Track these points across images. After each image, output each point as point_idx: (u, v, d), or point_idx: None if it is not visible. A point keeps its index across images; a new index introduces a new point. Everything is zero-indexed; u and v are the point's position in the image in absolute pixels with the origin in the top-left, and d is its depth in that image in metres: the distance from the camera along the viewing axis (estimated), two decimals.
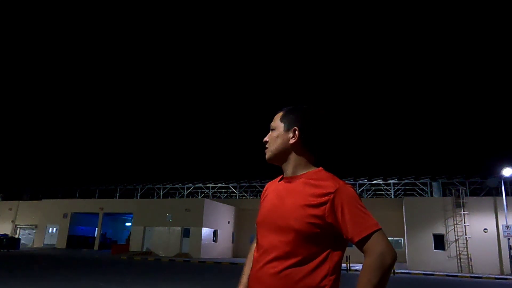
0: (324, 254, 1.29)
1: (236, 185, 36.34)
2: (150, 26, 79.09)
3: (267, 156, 1.49)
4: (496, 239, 22.68)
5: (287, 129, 1.44)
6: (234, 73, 79.10)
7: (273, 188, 1.49)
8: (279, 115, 1.51)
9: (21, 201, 39.50)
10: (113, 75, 79.59)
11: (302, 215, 1.28)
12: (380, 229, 1.26)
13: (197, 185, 36.50)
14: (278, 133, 1.46)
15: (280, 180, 1.50)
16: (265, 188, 1.55)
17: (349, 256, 21.93)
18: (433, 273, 21.04)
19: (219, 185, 36.74)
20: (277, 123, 1.49)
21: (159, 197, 37.67)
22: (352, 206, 1.26)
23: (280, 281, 1.27)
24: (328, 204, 1.26)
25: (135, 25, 79.66)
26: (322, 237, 1.28)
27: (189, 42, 77.15)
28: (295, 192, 1.36)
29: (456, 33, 67.22)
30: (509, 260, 20.96)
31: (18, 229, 38.32)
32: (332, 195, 1.27)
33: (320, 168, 1.41)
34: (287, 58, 78.33)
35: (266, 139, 1.51)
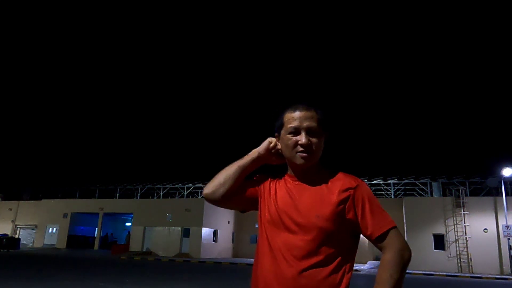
0: (343, 251, 1.29)
1: None
2: (150, 26, 79.15)
3: (307, 163, 1.35)
4: (496, 239, 22.68)
5: (323, 134, 1.40)
6: (233, 72, 79.12)
7: (279, 186, 1.43)
8: (314, 116, 1.38)
9: (21, 201, 39.47)
10: (113, 75, 79.66)
11: (324, 212, 1.27)
12: (396, 226, 1.31)
13: (197, 185, 36.47)
14: (319, 139, 1.37)
15: (281, 178, 1.47)
16: (262, 184, 1.47)
17: None
18: (433, 273, 21.05)
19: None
20: (317, 126, 1.37)
21: (159, 197, 37.66)
22: (372, 202, 1.30)
23: (303, 281, 1.22)
24: (349, 200, 1.30)
25: (135, 25, 79.71)
26: (342, 234, 1.29)
27: (189, 43, 77.21)
28: (313, 190, 1.34)
29: (456, 33, 67.26)
30: (509, 260, 20.95)
31: (18, 229, 38.30)
32: (352, 191, 1.30)
33: (332, 169, 1.42)
34: (287, 57, 78.37)
35: (307, 142, 1.35)
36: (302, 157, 1.35)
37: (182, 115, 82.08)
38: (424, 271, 21.78)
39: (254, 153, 1.48)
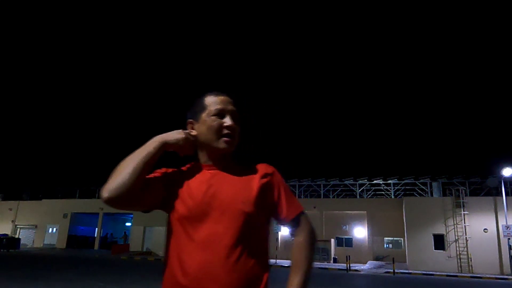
0: (263, 236, 1.30)
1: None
2: (150, 25, 79.18)
3: (230, 147, 1.32)
4: (496, 239, 22.69)
5: (240, 123, 1.37)
6: (231, 72, 79.11)
7: (191, 177, 1.32)
8: (231, 102, 1.37)
9: (21, 201, 39.47)
10: (112, 75, 79.68)
11: (249, 198, 1.26)
12: (304, 210, 1.36)
13: None
14: (238, 124, 1.36)
15: (189, 169, 1.38)
16: (167, 178, 1.33)
17: (349, 256, 21.96)
18: (433, 273, 21.05)
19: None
20: (236, 112, 1.36)
21: None
22: (286, 188, 1.34)
23: (237, 273, 1.18)
24: (268, 186, 1.31)
25: (134, 25, 79.74)
26: (262, 219, 1.30)
27: (189, 43, 77.21)
28: (233, 177, 1.31)
29: (456, 33, 67.26)
30: (509, 260, 20.95)
31: (18, 229, 38.29)
32: (270, 177, 1.33)
33: (239, 158, 1.41)
34: (288, 57, 78.36)
35: (233, 124, 1.32)
36: (226, 141, 1.31)
37: (182, 115, 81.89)
38: (424, 271, 21.78)
39: (158, 140, 1.28)
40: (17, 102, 74.32)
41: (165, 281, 1.26)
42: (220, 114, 1.32)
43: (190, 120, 1.39)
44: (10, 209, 38.87)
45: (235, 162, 1.38)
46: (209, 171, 1.33)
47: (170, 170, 1.38)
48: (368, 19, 72.21)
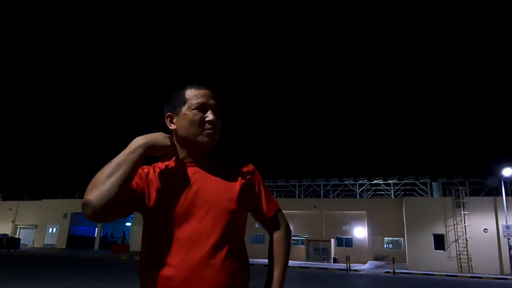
0: (243, 233, 1.32)
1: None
2: (150, 25, 79.16)
3: (211, 143, 1.27)
4: (496, 239, 22.68)
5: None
6: (231, 72, 79.11)
7: (169, 175, 1.24)
8: (212, 96, 1.31)
9: (21, 201, 39.48)
10: (112, 75, 79.65)
11: (234, 196, 1.25)
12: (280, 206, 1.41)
13: None
14: (220, 119, 1.31)
15: (165, 167, 1.28)
16: (143, 179, 1.21)
17: (349, 256, 21.96)
18: (433, 273, 21.05)
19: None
20: (217, 106, 1.31)
21: None
22: (265, 185, 1.37)
23: (224, 273, 1.15)
24: (250, 183, 1.32)
25: (132, 25, 79.71)
26: (245, 216, 1.32)
27: (190, 44, 77.20)
28: (215, 174, 1.27)
29: (456, 33, 67.24)
30: (509, 260, 20.95)
31: (18, 229, 38.30)
32: (251, 175, 1.33)
33: (217, 154, 1.38)
34: (287, 57, 78.34)
35: (215, 119, 1.26)
36: (209, 135, 1.24)
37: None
38: (424, 271, 21.78)
39: (143, 145, 1.16)
40: (17, 102, 74.31)
41: (147, 284, 1.17)
42: (202, 108, 1.26)
43: (169, 113, 1.30)
44: (10, 209, 38.87)
45: (214, 158, 1.34)
46: (191, 168, 1.26)
47: (146, 169, 1.26)
48: (368, 19, 72.18)
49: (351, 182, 31.52)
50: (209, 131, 1.25)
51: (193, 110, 1.25)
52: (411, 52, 70.54)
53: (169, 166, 1.28)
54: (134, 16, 75.93)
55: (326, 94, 73.59)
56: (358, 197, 31.11)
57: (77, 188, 40.01)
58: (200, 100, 1.26)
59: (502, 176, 22.02)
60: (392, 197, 30.83)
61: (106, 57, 77.20)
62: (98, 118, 74.71)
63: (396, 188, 31.21)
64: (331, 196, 32.54)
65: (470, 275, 20.75)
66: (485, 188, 26.36)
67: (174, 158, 1.29)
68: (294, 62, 76.87)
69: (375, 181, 31.17)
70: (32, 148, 75.40)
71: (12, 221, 38.42)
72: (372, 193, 32.53)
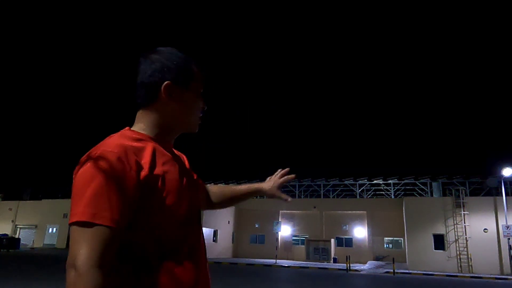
0: None
1: (236, 184, 36.16)
2: (150, 25, 79.11)
3: (196, 128, 1.14)
4: (496, 239, 22.69)
5: None
6: (230, 71, 79.09)
7: (163, 154, 1.01)
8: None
9: (21, 201, 39.51)
10: (112, 75, 79.61)
11: (197, 182, 1.16)
12: None
13: None
14: None
15: (144, 150, 0.99)
16: (138, 180, 0.90)
17: (349, 256, 21.96)
18: (433, 273, 21.04)
19: (218, 184, 36.65)
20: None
21: None
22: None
23: (210, 279, 1.05)
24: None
25: (133, 25, 79.66)
26: None
27: (190, 44, 77.14)
28: (185, 166, 1.12)
29: (456, 33, 67.23)
30: (509, 260, 20.96)
31: (18, 229, 38.32)
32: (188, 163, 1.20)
33: None
34: (287, 58, 78.32)
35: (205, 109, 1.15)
36: (198, 126, 1.14)
37: None
38: (424, 271, 21.79)
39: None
40: (17, 102, 74.31)
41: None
42: (199, 95, 1.12)
43: (168, 82, 1.03)
44: (10, 209, 38.90)
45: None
46: (169, 155, 1.03)
47: (133, 163, 0.91)
48: (369, 19, 72.19)
49: (351, 182, 31.52)
50: (200, 121, 1.13)
51: (198, 96, 1.10)
52: (411, 53, 70.56)
53: (148, 149, 0.98)
54: (134, 16, 75.90)
55: (327, 94, 73.60)
56: (358, 197, 31.11)
57: None
58: (202, 88, 1.12)
59: (502, 176, 22.02)
60: (392, 197, 30.84)
61: (106, 57, 77.19)
62: (98, 118, 74.72)
63: (396, 188, 31.22)
64: (331, 196, 32.54)
65: (470, 275, 20.75)
66: (485, 188, 26.37)
67: (146, 138, 1.04)
68: (294, 62, 76.88)
69: (375, 181, 31.18)
70: (32, 148, 75.40)
71: (12, 221, 38.43)
72: (372, 193, 32.54)
